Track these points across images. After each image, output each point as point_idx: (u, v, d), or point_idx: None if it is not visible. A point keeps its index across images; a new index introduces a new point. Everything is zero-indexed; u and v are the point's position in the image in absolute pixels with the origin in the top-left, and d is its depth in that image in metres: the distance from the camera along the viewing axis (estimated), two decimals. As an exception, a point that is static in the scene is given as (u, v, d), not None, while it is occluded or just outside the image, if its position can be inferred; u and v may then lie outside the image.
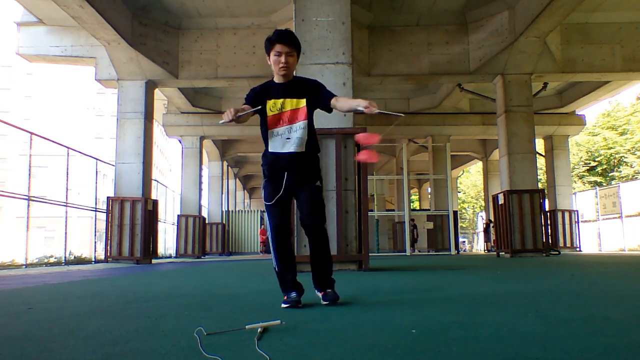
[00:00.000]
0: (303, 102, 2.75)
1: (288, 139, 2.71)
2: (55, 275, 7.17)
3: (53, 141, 11.94)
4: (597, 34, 12.57)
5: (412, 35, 12.80)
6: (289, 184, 2.75)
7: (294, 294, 2.73)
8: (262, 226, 25.95)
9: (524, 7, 11.18)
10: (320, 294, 2.85)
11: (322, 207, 2.85)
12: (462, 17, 12.62)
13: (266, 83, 2.82)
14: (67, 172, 12.23)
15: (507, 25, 11.92)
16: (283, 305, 2.71)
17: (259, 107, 2.69)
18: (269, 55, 2.75)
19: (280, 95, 2.75)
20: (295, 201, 2.90)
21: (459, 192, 43.36)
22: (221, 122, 2.48)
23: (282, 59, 2.70)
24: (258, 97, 2.77)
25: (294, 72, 2.86)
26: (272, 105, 2.72)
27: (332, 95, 2.79)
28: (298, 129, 2.72)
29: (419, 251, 19.91)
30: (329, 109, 2.82)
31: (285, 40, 2.70)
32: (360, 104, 2.55)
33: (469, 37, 12.63)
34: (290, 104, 2.73)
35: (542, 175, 21.37)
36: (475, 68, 12.49)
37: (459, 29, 12.71)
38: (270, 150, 2.76)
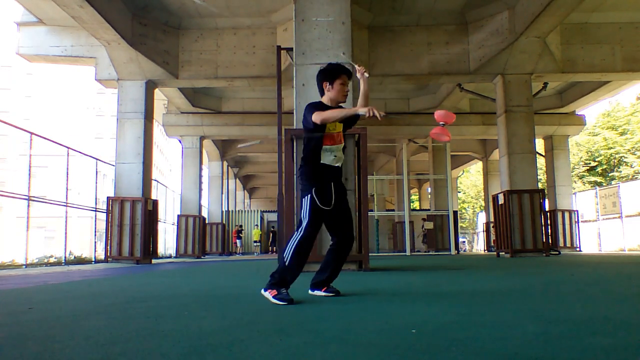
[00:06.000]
0: (341, 127, 3.20)
1: (335, 157, 3.13)
2: (55, 275, 7.17)
3: (53, 141, 11.92)
4: (597, 34, 12.57)
5: (412, 35, 12.80)
6: (336, 193, 3.11)
7: (286, 293, 2.93)
8: (236, 226, 25.89)
9: (524, 7, 11.18)
10: (322, 291, 3.23)
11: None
12: (462, 17, 12.61)
13: (323, 104, 3.20)
14: (67, 172, 12.21)
15: (507, 25, 11.92)
16: (279, 302, 2.85)
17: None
18: (330, 83, 3.17)
19: None
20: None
21: (459, 192, 43.33)
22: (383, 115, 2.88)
23: (346, 88, 3.21)
24: None
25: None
26: (332, 126, 3.10)
27: None
28: (341, 149, 3.18)
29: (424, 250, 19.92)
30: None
31: (349, 73, 3.25)
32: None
33: (469, 37, 12.63)
34: (339, 126, 3.17)
35: (542, 175, 21.36)
36: (475, 68, 12.49)
37: (459, 29, 12.71)
38: (322, 161, 3.12)
